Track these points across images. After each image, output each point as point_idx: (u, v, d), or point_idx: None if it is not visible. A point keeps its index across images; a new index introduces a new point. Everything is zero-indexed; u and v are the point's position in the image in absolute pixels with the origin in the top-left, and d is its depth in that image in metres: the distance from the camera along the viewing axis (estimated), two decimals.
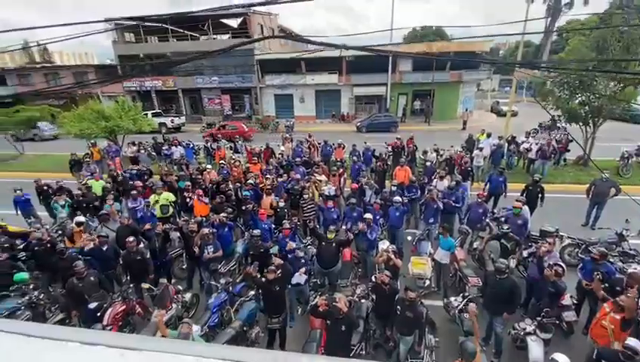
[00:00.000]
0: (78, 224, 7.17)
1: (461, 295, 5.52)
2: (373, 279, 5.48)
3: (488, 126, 20.18)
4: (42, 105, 20.42)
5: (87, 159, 12.59)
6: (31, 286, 5.91)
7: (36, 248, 6.38)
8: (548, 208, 8.35)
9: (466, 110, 25.04)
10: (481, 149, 11.73)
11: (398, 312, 4.61)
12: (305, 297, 5.94)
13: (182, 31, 27.42)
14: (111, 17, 27.49)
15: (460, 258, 6.43)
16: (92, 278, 5.48)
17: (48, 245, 6.39)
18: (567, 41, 17.70)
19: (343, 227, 7.86)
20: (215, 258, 6.31)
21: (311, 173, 10.17)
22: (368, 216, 6.53)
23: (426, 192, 8.07)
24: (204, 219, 7.77)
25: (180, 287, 6.16)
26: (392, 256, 5.68)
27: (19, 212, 8.94)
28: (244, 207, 7.88)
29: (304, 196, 8.21)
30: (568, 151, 13.27)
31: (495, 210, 8.47)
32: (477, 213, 7.43)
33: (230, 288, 5.81)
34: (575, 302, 5.38)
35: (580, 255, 6.80)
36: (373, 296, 5.34)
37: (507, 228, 6.17)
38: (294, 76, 27.46)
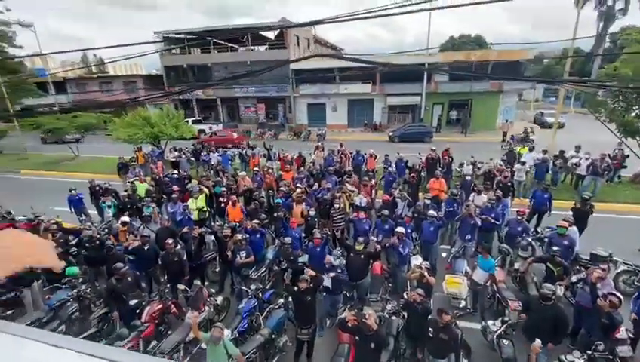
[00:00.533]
0: (123, 224, 7.66)
1: (500, 319, 5.17)
2: (405, 296, 5.30)
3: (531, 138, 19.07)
4: (97, 112, 22.25)
5: (133, 163, 13.51)
6: (80, 280, 6.38)
7: (87, 244, 6.89)
8: (600, 230, 7.66)
9: (507, 121, 23.84)
10: (523, 163, 11.06)
11: (431, 334, 4.41)
12: (336, 309, 5.88)
13: (223, 43, 28.84)
14: (159, 31, 29.62)
15: (500, 279, 6.05)
16: (129, 278, 5.79)
17: (97, 242, 6.87)
18: (622, 48, 16.38)
19: (374, 239, 7.75)
20: (247, 263, 6.44)
21: (342, 182, 10.15)
22: (400, 229, 6.36)
23: (463, 207, 7.74)
24: (238, 224, 7.99)
25: (213, 290, 6.35)
26: (425, 273, 5.48)
27: (72, 210, 9.74)
28: (275, 214, 7.99)
29: (335, 206, 8.18)
30: (624, 167, 12.15)
31: (538, 229, 7.92)
32: (515, 230, 7.00)
33: (260, 294, 5.89)
34: (631, 335, 4.84)
35: (636, 283, 6.15)
36: (405, 314, 5.15)
37: (555, 251, 5.73)
38: (328, 86, 27.78)
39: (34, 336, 0.44)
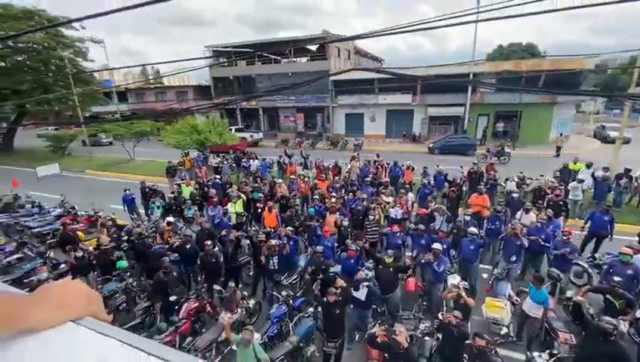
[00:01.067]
0: (168, 223, 8.21)
1: (548, 351, 4.71)
2: (440, 317, 5.05)
3: (589, 154, 17.47)
4: (152, 119, 24.27)
5: (181, 167, 14.46)
6: (128, 274, 6.91)
7: (136, 241, 7.46)
8: None
9: (561, 135, 22.05)
10: (580, 181, 10.10)
11: (466, 360, 4.14)
12: (366, 323, 5.75)
13: (267, 55, 30.13)
14: (209, 45, 31.72)
15: (549, 307, 5.54)
16: (175, 273, 6.17)
17: (145, 240, 7.41)
18: None
19: (408, 254, 7.51)
20: (279, 269, 6.55)
21: (378, 193, 10.00)
22: (437, 246, 6.09)
23: (509, 226, 7.24)
24: (273, 230, 8.18)
25: (246, 293, 6.53)
26: (463, 294, 5.18)
27: (125, 208, 10.62)
28: (308, 223, 8.07)
29: (369, 217, 8.08)
30: None
31: (596, 255, 7.15)
32: (562, 251, 6.37)
33: (290, 301, 5.95)
34: None
35: None
36: (439, 336, 4.90)
37: (616, 282, 5.13)
38: (366, 96, 27.75)
39: (84, 323, 0.50)
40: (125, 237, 8.00)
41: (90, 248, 7.57)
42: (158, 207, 10.07)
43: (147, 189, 11.04)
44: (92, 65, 28.30)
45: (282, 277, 6.69)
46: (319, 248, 6.55)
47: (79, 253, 6.88)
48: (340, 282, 5.31)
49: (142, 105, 36.18)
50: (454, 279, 5.96)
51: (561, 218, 8.14)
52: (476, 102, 24.48)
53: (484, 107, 24.61)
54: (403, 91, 26.23)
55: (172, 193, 10.82)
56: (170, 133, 17.62)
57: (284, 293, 6.09)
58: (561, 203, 8.40)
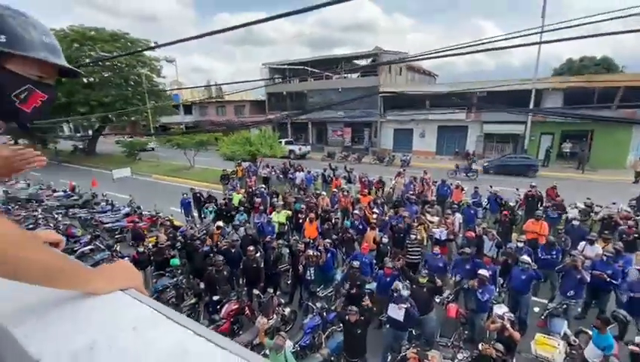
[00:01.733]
0: (218, 228, 8.84)
1: None
2: (479, 348, 4.73)
3: None
4: (212, 131, 26.52)
5: (234, 175, 15.50)
6: (179, 271, 7.56)
7: (188, 241, 8.15)
8: None
9: None
10: None
11: None
12: (400, 345, 5.58)
13: (318, 71, 31.22)
14: (266, 63, 33.81)
15: (613, 353, 4.87)
16: (225, 273, 6.64)
17: (195, 241, 8.07)
18: None
19: (452, 279, 7.16)
20: (315, 281, 6.67)
21: (422, 212, 9.71)
22: (483, 272, 5.74)
23: (568, 257, 6.56)
24: (312, 241, 8.37)
25: (283, 301, 6.73)
26: (508, 326, 4.80)
27: (182, 211, 11.66)
28: (346, 237, 8.12)
29: (410, 236, 7.88)
30: None
31: None
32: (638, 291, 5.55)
33: (324, 314, 6.01)
34: None
35: None
36: None
37: None
38: (416, 111, 27.19)
39: (128, 292, 0.69)
40: (180, 238, 8.77)
41: (150, 245, 8.43)
42: (210, 212, 10.90)
43: (198, 195, 12.04)
44: (164, 81, 31.94)
45: (318, 289, 6.79)
46: (356, 263, 6.54)
47: (141, 249, 7.72)
48: (366, 301, 5.24)
49: (204, 118, 39.60)
50: (500, 309, 5.54)
51: (634, 254, 7.13)
52: (539, 120, 22.61)
53: (549, 125, 22.62)
54: (456, 107, 25.23)
55: (224, 199, 11.64)
56: (226, 143, 19.03)
57: (318, 305, 6.17)
58: (636, 236, 7.38)
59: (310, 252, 6.84)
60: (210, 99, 37.74)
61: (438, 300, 6.13)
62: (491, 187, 11.31)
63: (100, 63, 26.74)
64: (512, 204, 11.12)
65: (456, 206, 10.39)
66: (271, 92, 34.78)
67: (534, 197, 10.36)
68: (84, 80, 26.63)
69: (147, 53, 28.89)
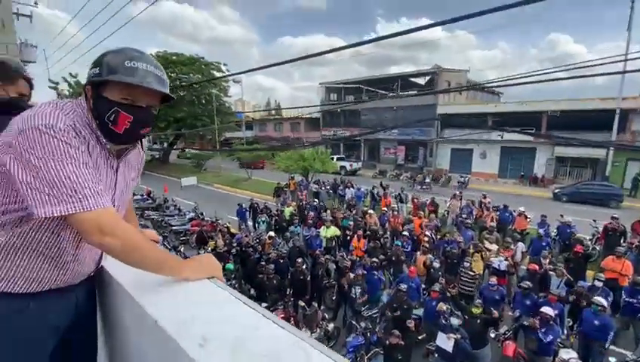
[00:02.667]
0: (269, 238, 9.31)
1: None
2: None
3: None
4: (269, 146, 28.27)
5: (286, 189, 16.20)
6: (233, 276, 8.08)
7: (243, 249, 8.71)
8: None
9: None
10: None
11: None
12: None
13: (373, 90, 31.50)
14: (323, 82, 35.12)
15: None
16: (275, 281, 6.97)
17: (250, 249, 8.59)
18: None
19: (511, 313, 6.56)
20: (362, 301, 6.63)
21: (480, 239, 9.12)
22: (547, 310, 5.19)
23: None
24: (359, 259, 8.35)
25: (327, 316, 6.80)
26: None
27: (238, 219, 12.48)
28: (393, 258, 7.95)
29: (464, 263, 7.44)
30: None
31: None
32: None
33: (368, 334, 5.92)
34: None
35: None
36: None
37: None
38: (477, 131, 25.72)
39: (212, 280, 0.90)
40: (235, 244, 9.40)
41: (209, 249, 9.17)
42: (263, 222, 11.53)
43: (255, 205, 12.80)
44: (230, 100, 34.94)
45: (363, 308, 6.73)
46: (403, 286, 6.37)
47: (202, 252, 8.45)
48: (412, 323, 5.07)
49: (263, 134, 42.20)
50: (567, 354, 4.92)
51: None
52: (626, 143, 19.85)
53: (637, 150, 19.73)
54: (523, 128, 23.31)
55: (277, 211, 12.24)
56: (281, 158, 20.05)
57: (363, 324, 6.12)
58: None
59: (351, 275, 6.83)
60: (269, 116, 40.16)
61: (493, 335, 5.67)
62: (562, 216, 10.20)
63: (178, 82, 30.37)
64: (588, 237, 9.91)
65: (518, 234, 9.55)
66: (325, 110, 35.88)
67: (616, 231, 9.08)
68: None
69: (218, 74, 32.05)
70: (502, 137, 23.59)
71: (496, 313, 5.57)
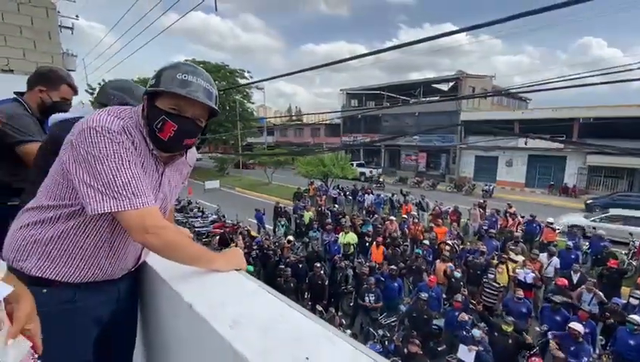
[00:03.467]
0: (288, 241, 9.40)
1: None
2: None
3: None
4: (289, 151, 28.63)
5: (306, 193, 16.33)
6: None
7: (264, 251, 8.84)
8: None
9: None
10: None
11: None
12: None
13: (395, 96, 31.28)
14: (344, 88, 35.26)
15: None
16: (292, 285, 7.05)
17: (270, 251, 8.72)
18: None
19: (537, 329, 6.27)
20: (374, 308, 6.56)
21: (505, 250, 8.80)
22: (576, 326, 4.94)
23: None
24: (377, 266, 8.27)
25: (344, 322, 6.76)
26: None
27: (257, 222, 12.69)
28: (416, 263, 7.82)
29: (489, 275, 7.20)
30: None
31: None
32: None
33: (386, 342, 5.84)
34: None
35: None
36: None
37: None
38: (503, 138, 24.91)
39: (241, 272, 0.97)
40: (255, 247, 9.57)
41: None
42: (282, 226, 11.67)
43: (279, 209, 13.00)
44: (253, 106, 35.76)
45: (380, 316, 6.65)
46: (423, 295, 6.25)
47: None
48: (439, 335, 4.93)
49: (284, 139, 42.82)
50: None
51: None
52: None
53: None
54: (553, 135, 22.36)
55: (296, 215, 12.36)
56: (302, 163, 20.25)
57: (380, 332, 6.04)
58: None
59: (372, 279, 6.78)
60: (291, 122, 40.70)
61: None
62: (594, 229, 9.69)
63: None
64: (624, 251, 9.35)
65: (553, 248, 9.11)
66: (346, 116, 35.95)
67: None
68: None
69: (242, 81, 32.96)
70: (526, 143, 22.78)
71: (529, 338, 5.32)
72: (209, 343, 0.70)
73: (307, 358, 0.57)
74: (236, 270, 0.99)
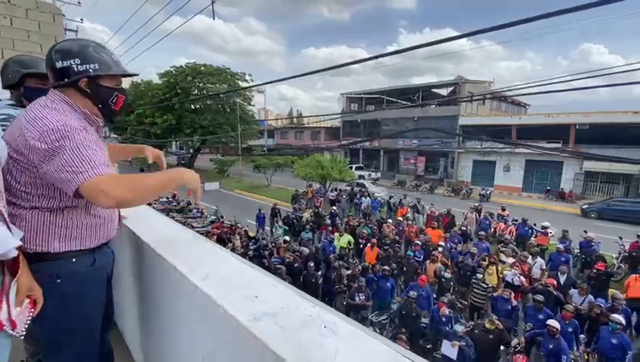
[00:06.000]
0: (284, 242, 9.61)
1: None
2: None
3: None
4: (289, 154, 28.89)
5: (304, 196, 16.55)
6: None
7: (260, 251, 9.04)
8: None
9: None
10: None
11: None
12: None
13: (395, 100, 31.57)
14: (344, 92, 35.58)
15: None
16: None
17: (266, 251, 8.92)
18: None
19: (524, 327, 6.46)
20: (365, 305, 6.75)
21: (497, 251, 8.99)
22: (553, 323, 5.13)
23: None
24: (371, 267, 8.45)
25: None
26: None
27: (256, 223, 12.91)
28: (404, 268, 8.02)
29: (477, 275, 7.39)
30: None
31: None
32: None
33: None
34: None
35: None
36: None
37: None
38: (501, 143, 25.16)
39: (233, 256, 1.20)
40: (252, 247, 9.77)
41: (228, 250, 9.57)
42: (280, 227, 11.88)
43: (276, 211, 13.22)
44: (254, 108, 36.07)
45: (370, 315, 6.83)
46: (412, 293, 6.45)
47: None
48: (402, 339, 5.01)
49: (284, 142, 43.12)
50: None
51: None
52: None
53: None
54: (550, 140, 22.60)
55: (293, 216, 12.58)
56: (300, 166, 20.48)
57: (370, 329, 6.21)
58: None
59: (362, 280, 6.97)
60: (292, 125, 40.98)
61: (502, 347, 5.62)
62: (586, 232, 9.87)
63: (205, 92, 31.79)
64: (614, 255, 9.54)
65: (537, 249, 9.32)
66: (346, 120, 36.28)
67: None
68: (192, 106, 31.94)
69: (243, 84, 33.27)
70: (514, 148, 23.09)
71: (508, 336, 5.50)
72: (186, 292, 0.92)
73: (256, 296, 0.79)
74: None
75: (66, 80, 1.12)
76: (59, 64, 1.11)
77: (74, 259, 1.16)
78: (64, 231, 1.16)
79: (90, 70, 1.12)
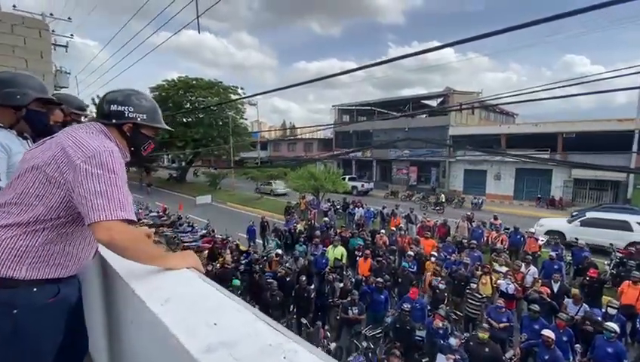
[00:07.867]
0: (277, 255, 9.44)
1: None
2: None
3: None
4: (282, 165, 28.79)
5: (296, 208, 16.43)
6: (239, 292, 8.20)
7: (251, 265, 8.86)
8: None
9: None
10: None
11: None
12: None
13: (386, 111, 31.99)
14: (336, 104, 35.93)
15: None
16: (278, 298, 7.06)
17: (255, 265, 8.75)
18: None
19: (520, 337, 6.37)
20: (358, 319, 6.61)
21: (490, 260, 8.96)
22: (547, 333, 5.07)
23: None
24: (364, 279, 8.33)
25: (329, 334, 6.78)
26: None
27: (247, 237, 12.71)
28: (399, 280, 7.92)
29: (471, 285, 7.33)
30: None
31: None
32: None
33: (369, 354, 5.87)
34: None
35: None
36: None
37: None
38: (491, 152, 25.52)
39: (192, 271, 1.12)
40: (243, 261, 9.58)
41: (218, 265, 9.37)
42: (272, 240, 11.71)
43: (266, 223, 13.03)
44: (246, 121, 36.12)
45: (364, 329, 6.68)
46: (406, 306, 6.34)
47: (210, 267, 8.65)
48: (395, 354, 4.91)
49: (277, 154, 43.12)
50: None
51: None
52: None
53: None
54: (539, 148, 23.00)
55: (286, 229, 12.43)
56: (293, 177, 20.41)
57: (364, 344, 6.08)
58: None
59: (355, 293, 6.85)
60: (284, 136, 41.07)
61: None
62: (577, 240, 9.94)
63: (197, 105, 31.82)
64: (605, 262, 9.58)
65: (529, 257, 9.32)
66: (338, 131, 36.51)
67: (632, 254, 8.76)
68: (184, 120, 31.86)
69: (235, 97, 33.41)
70: (502, 159, 23.49)
71: (509, 351, 5.40)
72: (146, 320, 0.85)
73: (215, 323, 0.72)
74: (187, 268, 1.14)
75: (114, 121, 1.25)
76: (114, 107, 1.24)
77: (34, 289, 1.09)
78: (37, 257, 1.10)
79: (138, 118, 1.27)
